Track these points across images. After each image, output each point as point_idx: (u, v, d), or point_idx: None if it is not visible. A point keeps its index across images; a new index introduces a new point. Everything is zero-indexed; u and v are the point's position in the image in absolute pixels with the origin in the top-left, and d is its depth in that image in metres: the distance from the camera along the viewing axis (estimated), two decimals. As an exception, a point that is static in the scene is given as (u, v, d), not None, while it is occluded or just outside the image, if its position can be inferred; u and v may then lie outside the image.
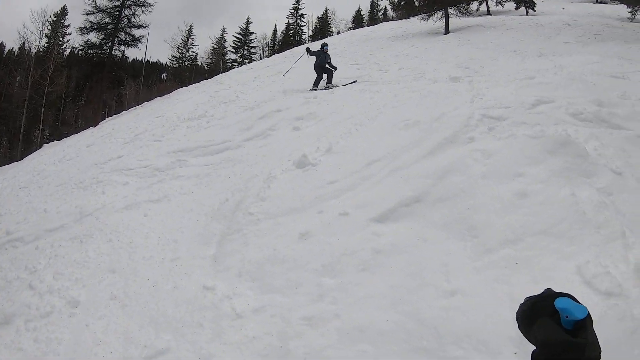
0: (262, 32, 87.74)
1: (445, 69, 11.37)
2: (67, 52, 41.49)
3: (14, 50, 42.46)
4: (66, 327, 4.22)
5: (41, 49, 36.88)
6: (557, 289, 3.60)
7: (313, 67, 12.88)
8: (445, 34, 21.52)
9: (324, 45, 13.32)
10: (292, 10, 57.44)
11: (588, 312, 1.17)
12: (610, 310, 3.35)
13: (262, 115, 9.05)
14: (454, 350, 3.30)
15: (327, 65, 12.76)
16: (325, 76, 12.72)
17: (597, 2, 42.06)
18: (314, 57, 12.95)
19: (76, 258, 5.25)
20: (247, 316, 3.88)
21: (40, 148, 15.99)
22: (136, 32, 24.87)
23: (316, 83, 12.66)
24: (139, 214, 6.01)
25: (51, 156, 11.53)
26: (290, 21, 57.37)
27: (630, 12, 27.49)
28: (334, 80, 12.61)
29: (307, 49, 13.71)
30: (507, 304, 3.56)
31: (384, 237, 4.37)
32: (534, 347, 1.61)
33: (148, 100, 17.91)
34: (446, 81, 9.52)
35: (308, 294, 3.93)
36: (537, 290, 3.57)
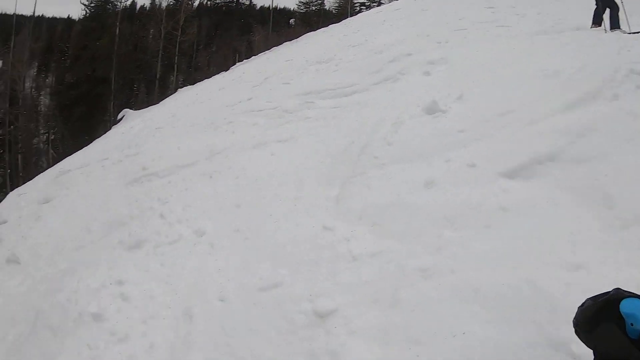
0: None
1: (590, 16, 9.55)
2: (197, 3, 43.67)
3: (145, 6, 45.71)
4: (190, 254, 4.51)
5: (171, 2, 39.07)
6: None
7: None
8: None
9: None
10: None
11: None
12: None
13: (392, 59, 8.56)
14: (565, 330, 2.75)
15: None
16: (607, 11, 8.24)
17: None
18: None
19: (205, 192, 5.54)
20: (363, 259, 3.77)
21: (175, 92, 17.08)
22: (264, -21, 24.76)
23: (597, 19, 8.30)
24: (266, 153, 6.10)
25: (184, 99, 12.25)
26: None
27: None
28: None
29: None
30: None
31: (512, 194, 3.93)
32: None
33: (277, 45, 18.14)
34: (589, 29, 8.27)
35: (427, 244, 3.70)
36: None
